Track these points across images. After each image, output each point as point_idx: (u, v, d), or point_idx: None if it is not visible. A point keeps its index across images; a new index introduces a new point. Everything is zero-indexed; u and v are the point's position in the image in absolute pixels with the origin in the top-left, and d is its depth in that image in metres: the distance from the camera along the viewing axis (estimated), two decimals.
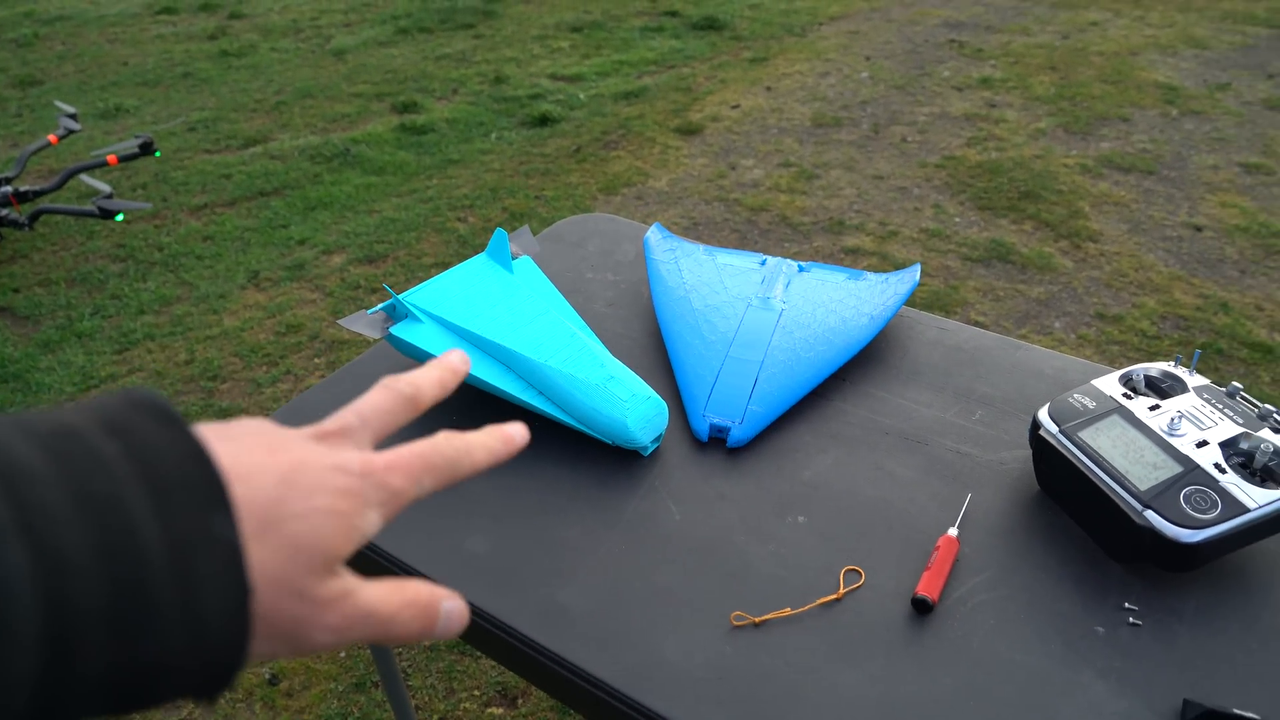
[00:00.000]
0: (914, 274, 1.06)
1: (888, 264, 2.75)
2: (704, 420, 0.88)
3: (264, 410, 2.21)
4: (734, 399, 0.90)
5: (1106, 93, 3.95)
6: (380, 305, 0.92)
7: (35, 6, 5.75)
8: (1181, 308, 2.53)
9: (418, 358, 0.92)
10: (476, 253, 2.86)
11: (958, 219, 3.02)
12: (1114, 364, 2.31)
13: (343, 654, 1.63)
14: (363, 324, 0.90)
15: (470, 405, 0.93)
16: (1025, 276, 2.69)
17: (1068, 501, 0.80)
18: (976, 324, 2.48)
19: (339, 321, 0.90)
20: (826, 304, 1.03)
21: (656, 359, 1.00)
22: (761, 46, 4.69)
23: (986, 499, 0.82)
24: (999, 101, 3.92)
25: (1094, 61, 4.31)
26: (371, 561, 0.78)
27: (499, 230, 1.00)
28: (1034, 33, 4.75)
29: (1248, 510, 0.70)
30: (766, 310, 1.02)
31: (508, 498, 0.82)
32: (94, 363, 2.41)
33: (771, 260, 1.13)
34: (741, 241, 2.93)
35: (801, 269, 1.11)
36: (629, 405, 0.84)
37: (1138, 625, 0.70)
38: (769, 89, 4.15)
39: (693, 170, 3.42)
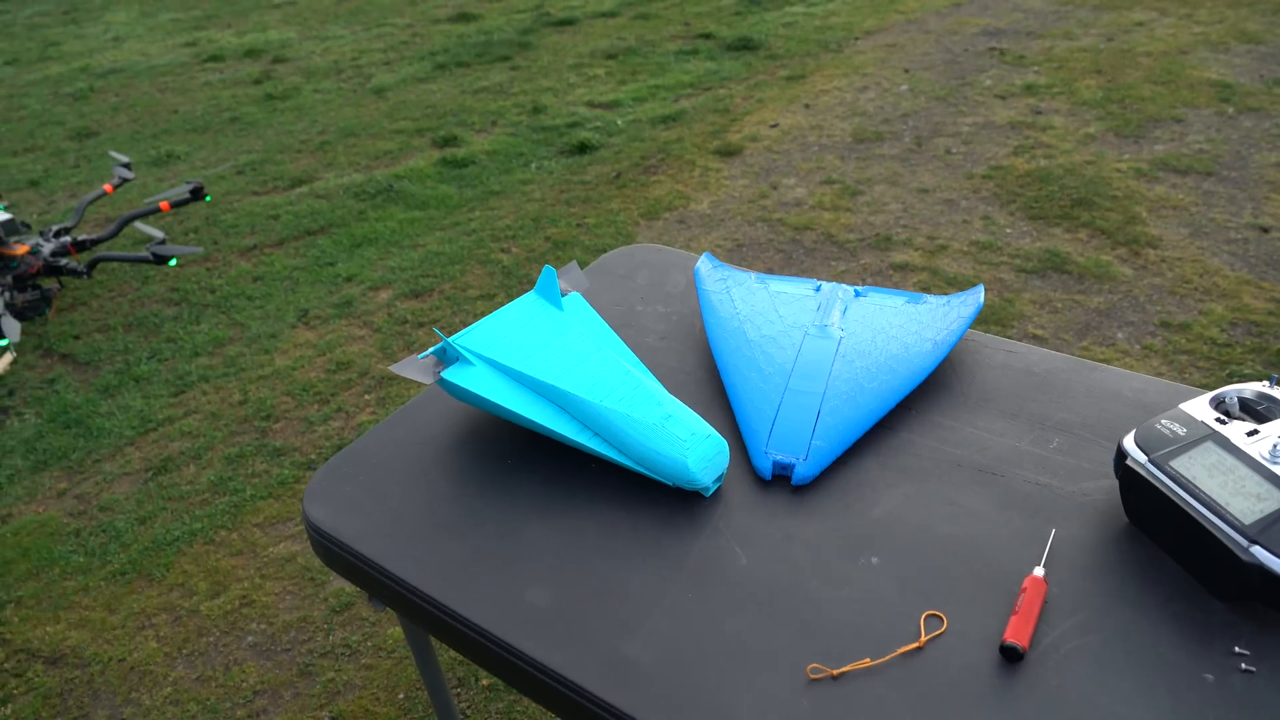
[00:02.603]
0: (978, 295, 1.02)
1: (938, 279, 2.69)
2: (766, 457, 0.85)
3: (317, 449, 2.22)
4: (797, 434, 0.87)
5: (1157, 94, 3.84)
6: (431, 349, 0.91)
7: (90, 61, 5.96)
8: (1253, 313, 2.42)
9: (470, 401, 0.90)
10: (521, 283, 2.87)
11: (1009, 230, 2.95)
12: (1183, 375, 2.22)
13: (401, 695, 1.61)
14: (414, 370, 0.88)
15: (525, 448, 0.91)
16: (1083, 286, 2.61)
17: (1161, 535, 0.75)
18: (1034, 337, 2.41)
19: (391, 368, 0.89)
20: (887, 330, 1.00)
21: (714, 394, 0.97)
22: (798, 64, 4.66)
23: (1072, 534, 0.77)
24: (1044, 108, 3.83)
25: (1142, 63, 4.20)
26: (435, 619, 0.76)
27: (547, 267, 0.98)
28: (1077, 36, 4.65)
29: None
30: (825, 339, 0.99)
31: (567, 544, 0.80)
32: (151, 406, 2.45)
33: (826, 286, 1.09)
34: (787, 262, 2.89)
35: (858, 294, 1.08)
36: (689, 445, 0.82)
37: (1250, 672, 0.65)
38: (807, 106, 4.12)
39: (734, 191, 3.40)
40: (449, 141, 4.02)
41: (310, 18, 6.56)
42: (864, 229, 3.04)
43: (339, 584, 1.85)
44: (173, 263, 2.90)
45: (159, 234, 2.97)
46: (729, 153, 3.72)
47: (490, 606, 0.74)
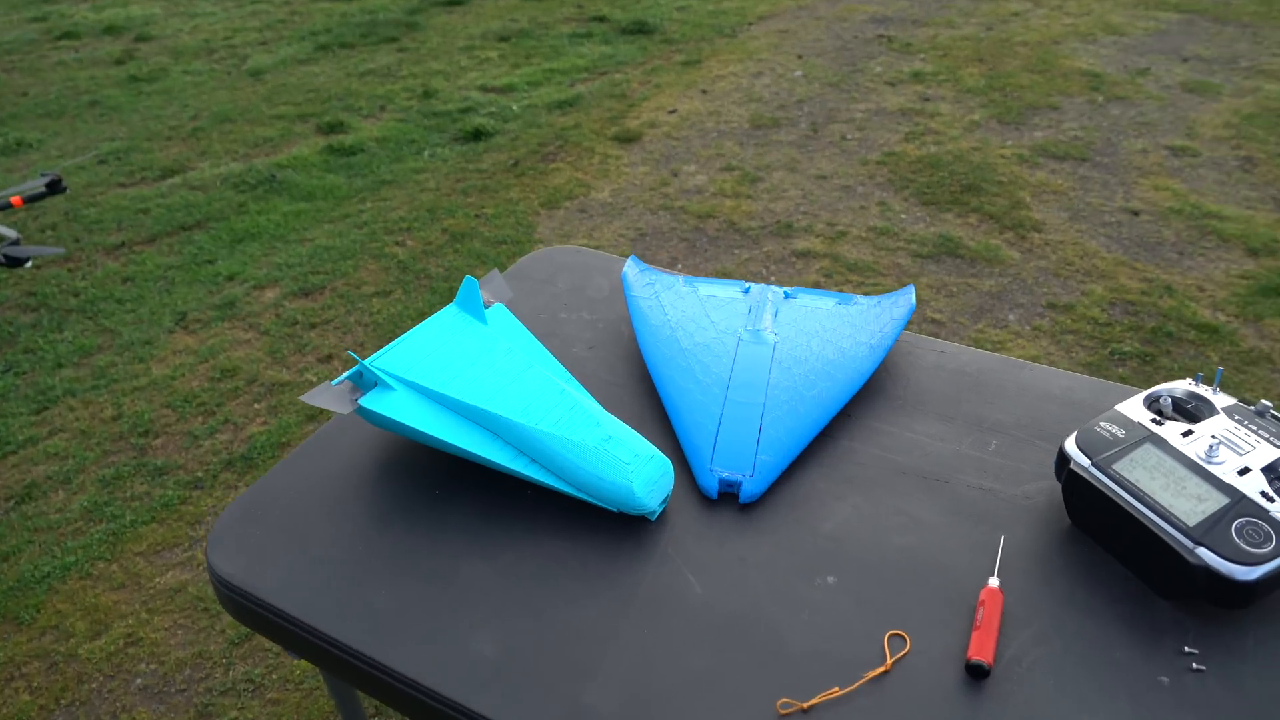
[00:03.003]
0: (909, 296, 1.01)
1: (840, 265, 2.73)
2: (712, 475, 0.82)
3: (204, 465, 2.07)
4: (741, 449, 0.84)
5: (1034, 82, 4.02)
6: (345, 374, 0.83)
7: None
8: (1128, 293, 2.56)
9: (392, 428, 0.83)
10: (418, 278, 2.75)
11: (904, 215, 3.02)
12: (1070, 354, 2.33)
13: None
14: (328, 398, 0.81)
15: (454, 476, 0.85)
16: (975, 270, 2.70)
17: (1105, 537, 0.75)
18: (933, 321, 2.47)
19: (302, 398, 0.80)
20: (820, 334, 0.98)
21: (650, 407, 0.93)
22: (693, 49, 4.65)
23: (1019, 539, 0.77)
24: (932, 95, 3.95)
25: (1019, 51, 4.39)
26: (369, 677, 0.70)
27: (468, 279, 0.91)
28: (959, 25, 4.82)
29: None
30: (759, 344, 0.96)
31: (508, 584, 0.74)
32: (9, 426, 2.23)
33: (755, 288, 1.07)
34: (690, 251, 2.88)
35: (787, 295, 1.06)
36: (632, 468, 0.77)
37: (1201, 670, 0.66)
38: (704, 92, 4.11)
39: (635, 179, 3.36)
40: (335, 128, 3.82)
41: None
42: (765, 216, 3.06)
43: None
44: (29, 265, 2.65)
45: (11, 233, 2.69)
46: (628, 139, 3.68)
47: (429, 660, 0.68)
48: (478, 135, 3.73)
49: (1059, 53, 4.35)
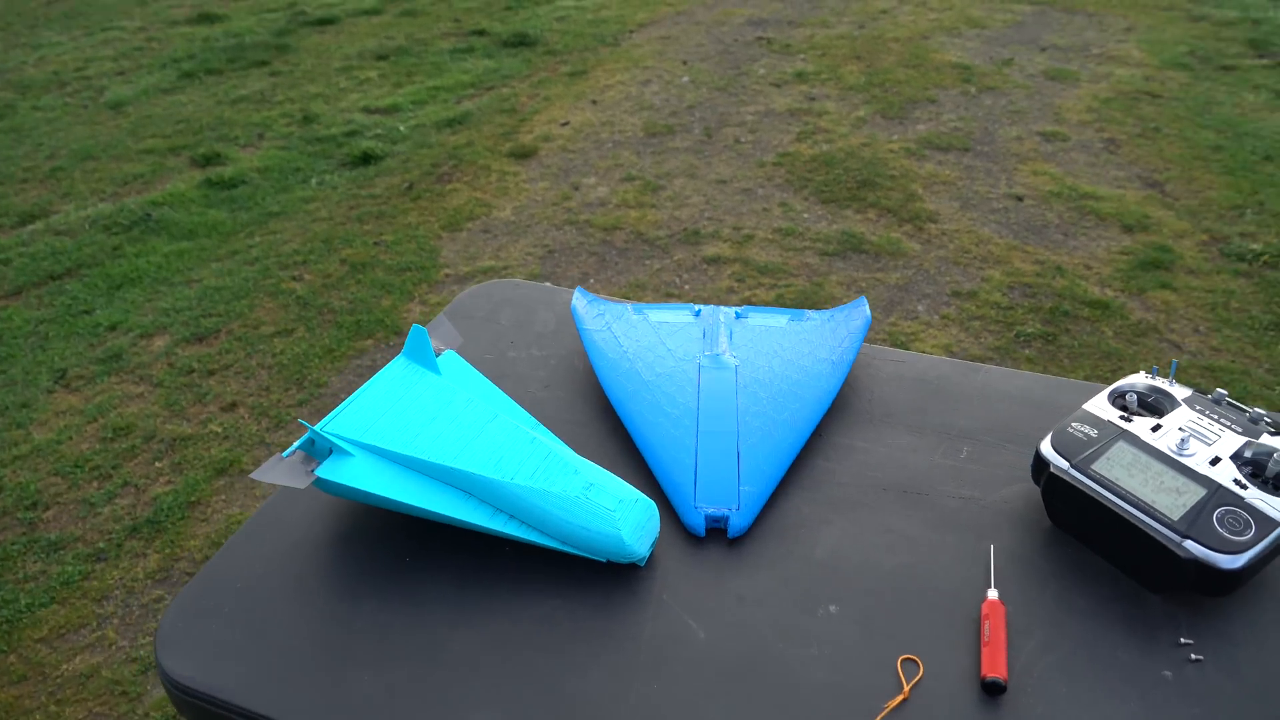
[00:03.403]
0: (862, 309, 1.01)
1: (751, 269, 2.76)
2: (698, 513, 0.79)
3: (105, 534, 1.90)
4: (723, 482, 0.81)
5: (910, 77, 4.18)
6: (296, 444, 0.77)
7: None
8: (1024, 275, 2.68)
9: (353, 498, 0.77)
10: (320, 313, 2.63)
11: (806, 215, 3.08)
12: (979, 339, 2.42)
13: None
14: (281, 474, 0.74)
15: (423, 540, 0.79)
16: (880, 264, 2.78)
17: (1089, 536, 0.77)
18: None
19: (253, 476, 0.73)
20: (780, 353, 0.97)
21: (619, 446, 0.90)
22: (578, 59, 4.63)
23: (1006, 546, 0.78)
24: (817, 94, 4.05)
25: (892, 48, 4.55)
26: None
27: (415, 328, 0.86)
28: (832, 24, 4.97)
29: (1278, 524, 0.69)
30: (720, 369, 0.94)
31: (503, 653, 0.70)
32: None
33: (706, 310, 1.05)
34: (601, 265, 2.85)
35: (739, 315, 1.04)
36: (618, 514, 0.74)
37: (1200, 660, 0.67)
38: (595, 102, 4.09)
39: (535, 195, 3.31)
40: (211, 160, 3.61)
41: (14, 22, 5.67)
42: (671, 224, 3.07)
43: (159, 693, 1.59)
44: None
45: None
46: (524, 155, 3.62)
47: None
48: (367, 159, 3.60)
49: (929, 47, 4.54)
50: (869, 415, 0.93)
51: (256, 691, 0.68)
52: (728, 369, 0.94)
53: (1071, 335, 2.40)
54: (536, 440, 0.79)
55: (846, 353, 0.95)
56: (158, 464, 2.09)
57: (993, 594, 0.72)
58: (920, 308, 2.56)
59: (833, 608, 0.73)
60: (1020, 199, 3.12)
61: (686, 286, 2.69)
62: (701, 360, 0.96)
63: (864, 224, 3.00)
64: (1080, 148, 3.48)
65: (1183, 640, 0.69)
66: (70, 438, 2.18)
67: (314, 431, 0.75)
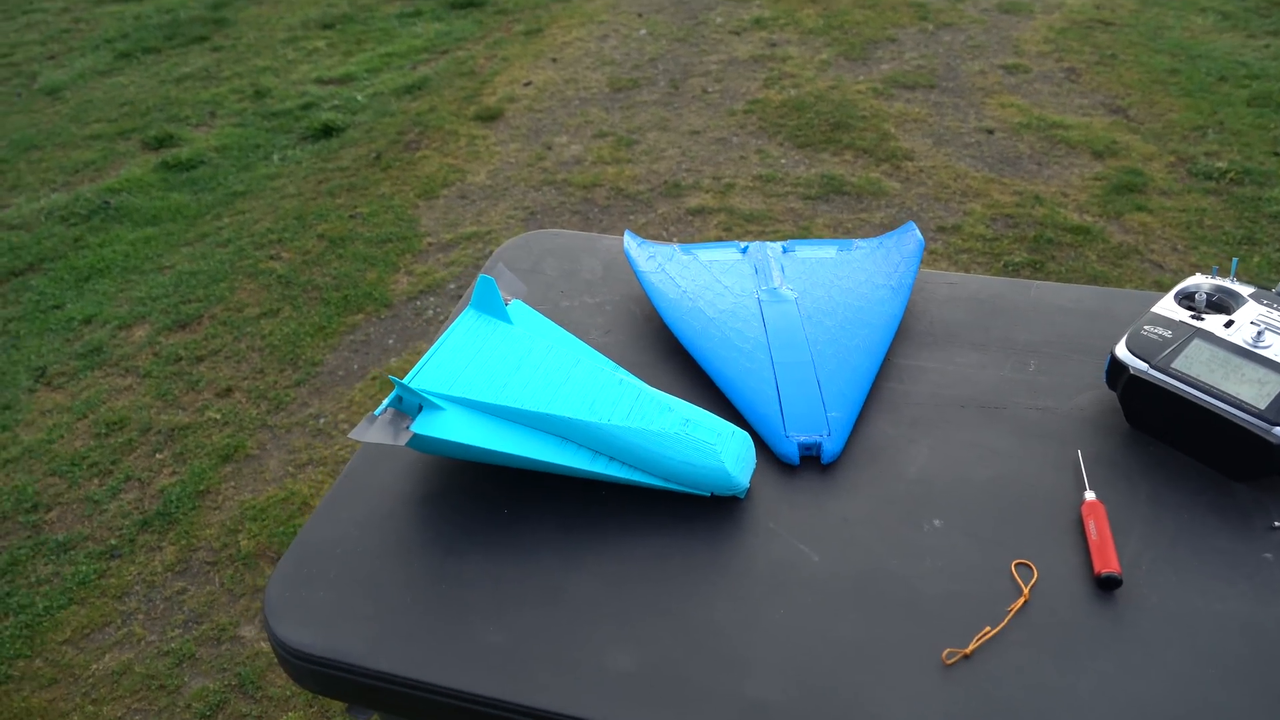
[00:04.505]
0: (913, 233, 1.02)
1: (737, 218, 2.75)
2: (790, 442, 0.80)
3: (116, 531, 1.86)
4: (810, 410, 0.82)
5: (868, 18, 4.17)
6: (385, 402, 0.75)
7: None
8: (1004, 207, 2.72)
9: (445, 452, 0.76)
10: (305, 291, 2.57)
11: (783, 160, 3.08)
12: (969, 272, 2.45)
13: None
14: (377, 432, 0.72)
15: (515, 492, 0.79)
16: (864, 204, 2.79)
17: (1169, 433, 0.79)
18: None
19: (351, 436, 0.72)
20: (837, 282, 0.97)
21: (694, 384, 0.89)
22: (531, 17, 4.53)
23: (1091, 450, 0.79)
24: (778, 40, 4.02)
25: None
26: (488, 715, 0.63)
27: (483, 277, 0.84)
28: None
29: None
30: (780, 302, 0.94)
31: (622, 591, 0.70)
32: None
33: (752, 246, 1.05)
34: (585, 224, 2.83)
35: (785, 249, 1.04)
36: (719, 448, 0.74)
37: None
38: (555, 60, 4.02)
39: (508, 158, 3.25)
40: (164, 142, 3.48)
41: None
42: (650, 178, 3.04)
43: (199, 683, 1.57)
44: None
45: None
46: (490, 117, 3.55)
47: (575, 690, 0.63)
48: (328, 131, 3.50)
49: None
50: (932, 337, 0.94)
51: (382, 651, 0.67)
52: (788, 301, 0.94)
53: (1057, 261, 2.45)
54: (625, 382, 0.78)
55: (905, 276, 0.96)
56: (159, 456, 2.04)
57: (1090, 495, 0.74)
58: None
59: (937, 522, 0.74)
60: (991, 132, 3.15)
61: (675, 238, 2.68)
62: (760, 295, 0.96)
63: (842, 166, 3.01)
64: (1042, 78, 3.52)
65: (1276, 524, 0.72)
66: (62, 436, 2.12)
67: (402, 386, 0.74)
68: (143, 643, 1.65)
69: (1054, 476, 0.77)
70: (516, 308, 0.87)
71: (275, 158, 3.35)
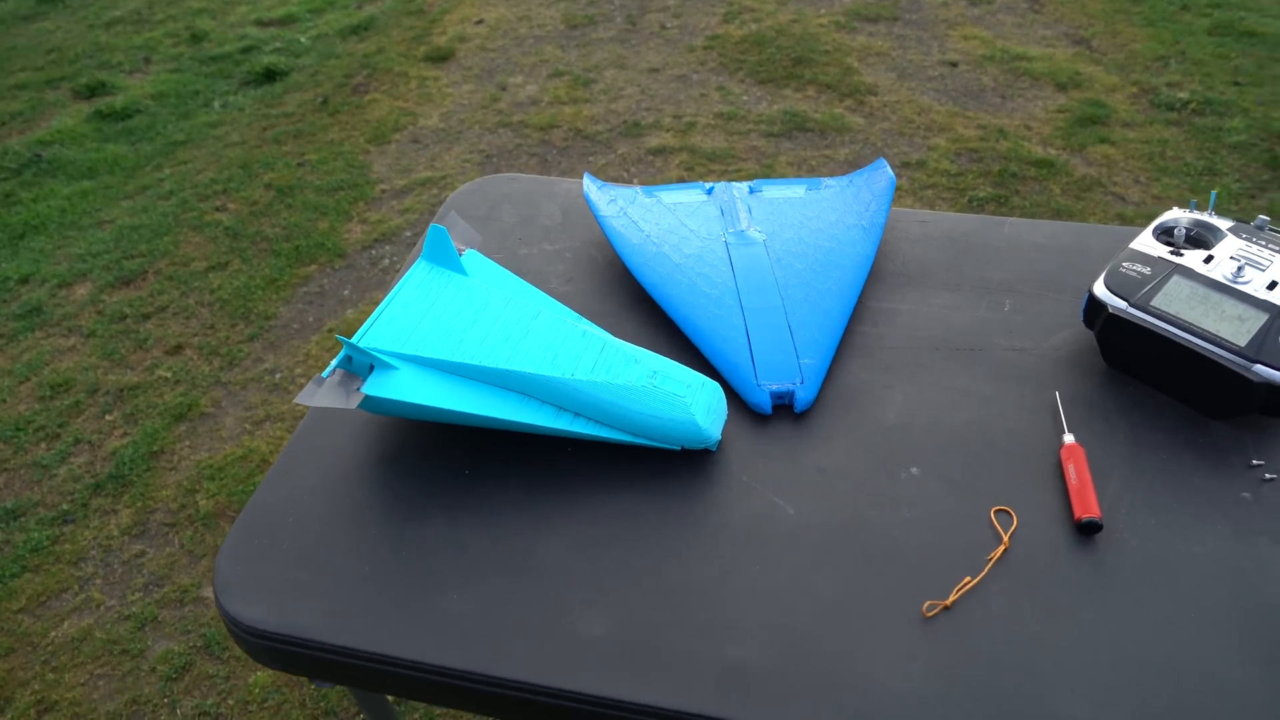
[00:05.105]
0: (884, 171, 0.98)
1: (699, 157, 2.69)
2: (762, 390, 0.77)
3: (67, 496, 1.79)
4: (781, 357, 0.79)
5: None
6: (333, 363, 0.70)
7: None
8: (968, 141, 2.69)
9: (402, 413, 0.72)
10: (254, 243, 2.47)
11: (745, 97, 3.00)
12: (934, 207, 2.43)
13: None
14: (326, 395, 0.68)
15: (476, 451, 0.75)
16: (827, 141, 2.74)
17: (1147, 371, 0.77)
18: None
19: (296, 401, 0.67)
20: (806, 223, 0.93)
21: (661, 332, 0.86)
22: None
23: (1069, 391, 0.78)
24: None
25: None
26: (451, 690, 0.61)
27: (434, 226, 0.79)
28: None
29: None
30: (748, 245, 0.91)
31: (592, 554, 0.67)
32: None
33: (718, 187, 1.00)
34: (544, 167, 2.74)
35: (752, 190, 1.00)
36: (688, 399, 0.71)
37: (1274, 479, 0.69)
38: None
39: (461, 99, 3.14)
40: (96, 90, 3.30)
41: None
42: (609, 118, 2.96)
43: (162, 645, 1.53)
44: None
45: None
46: (441, 58, 3.42)
47: (536, 659, 0.61)
48: (271, 75, 3.34)
49: None
50: (905, 277, 0.91)
51: (340, 626, 0.64)
52: (756, 244, 0.91)
53: (1022, 195, 2.43)
54: (587, 333, 0.75)
55: (876, 215, 0.93)
56: (108, 417, 1.97)
57: (1069, 438, 0.72)
58: None
59: (914, 469, 0.72)
60: (954, 65, 3.10)
61: (636, 180, 2.62)
62: (727, 238, 0.92)
63: (805, 102, 2.94)
64: (1005, 9, 3.46)
65: (1254, 462, 0.71)
66: (3, 400, 2.03)
67: (351, 346, 0.69)
68: (102, 608, 1.60)
69: (1031, 419, 0.75)
70: (471, 258, 0.82)
71: (216, 104, 3.20)
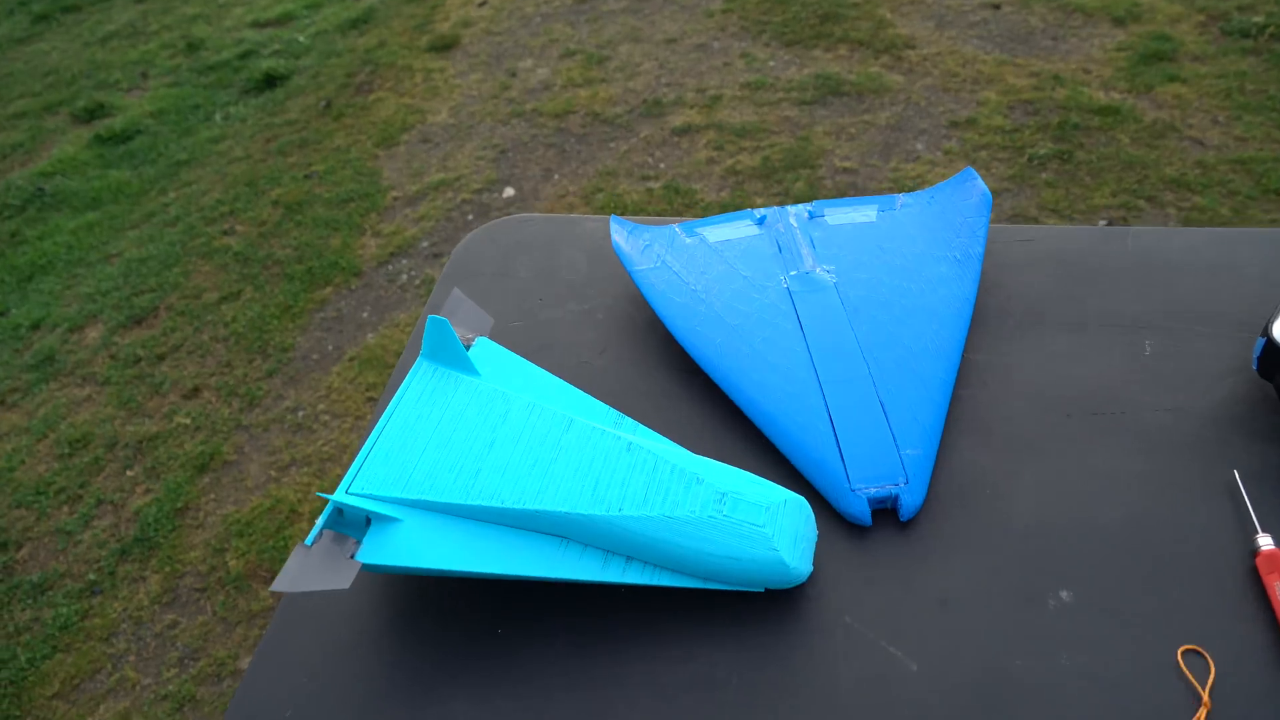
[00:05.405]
0: (975, 183, 0.81)
1: (727, 134, 2.50)
2: (858, 498, 0.61)
3: (94, 565, 1.70)
4: (876, 449, 0.63)
5: None
6: (319, 523, 0.56)
7: None
8: (1021, 92, 2.46)
9: (408, 573, 0.58)
10: (266, 268, 2.35)
11: (771, 63, 2.80)
12: (989, 170, 2.22)
13: None
14: (312, 573, 0.54)
15: (508, 603, 0.61)
16: (865, 105, 2.54)
17: None
18: (844, 170, 2.31)
19: (274, 589, 0.53)
20: (883, 257, 0.77)
21: (720, 418, 0.70)
22: None
23: (1248, 466, 0.61)
24: None
25: None
26: None
27: (432, 318, 0.64)
28: None
29: None
30: (817, 291, 0.74)
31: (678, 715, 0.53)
32: None
33: (770, 214, 0.84)
34: (563, 158, 2.58)
35: (812, 215, 0.83)
36: (769, 530, 0.56)
37: None
38: None
39: (470, 91, 2.97)
40: (95, 112, 3.19)
41: None
42: (628, 98, 2.77)
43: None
44: None
45: None
46: (445, 46, 3.25)
47: None
48: (271, 81, 3.20)
49: None
50: (1014, 318, 0.74)
51: None
52: (826, 289, 0.74)
53: (1087, 149, 2.22)
54: (634, 444, 0.59)
55: (972, 243, 0.76)
56: (129, 473, 1.87)
57: (1265, 542, 0.56)
58: (919, 146, 2.34)
59: (1064, 594, 0.56)
60: (998, 7, 2.86)
61: (662, 165, 2.44)
62: (789, 283, 0.76)
63: (837, 63, 2.73)
64: None
65: None
66: (23, 461, 1.94)
67: (337, 500, 0.55)
68: (138, 688, 1.51)
69: (1209, 511, 0.59)
70: (481, 348, 0.67)
71: (217, 117, 3.07)
